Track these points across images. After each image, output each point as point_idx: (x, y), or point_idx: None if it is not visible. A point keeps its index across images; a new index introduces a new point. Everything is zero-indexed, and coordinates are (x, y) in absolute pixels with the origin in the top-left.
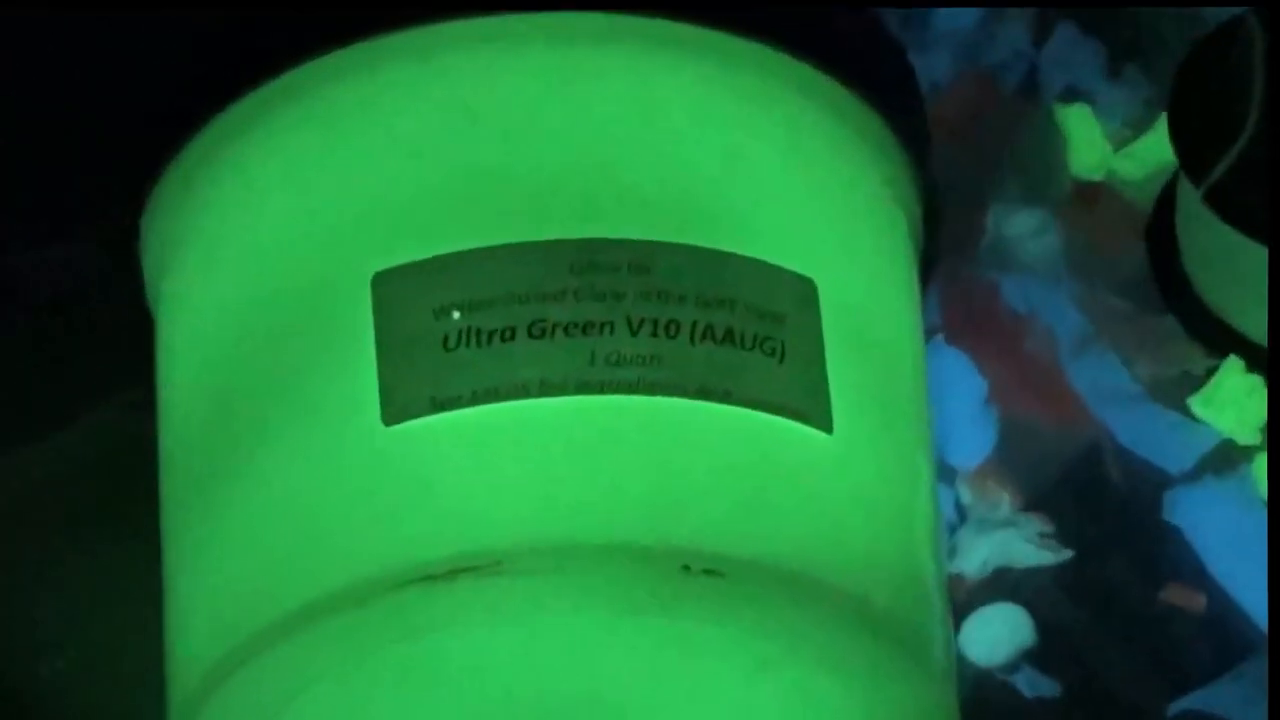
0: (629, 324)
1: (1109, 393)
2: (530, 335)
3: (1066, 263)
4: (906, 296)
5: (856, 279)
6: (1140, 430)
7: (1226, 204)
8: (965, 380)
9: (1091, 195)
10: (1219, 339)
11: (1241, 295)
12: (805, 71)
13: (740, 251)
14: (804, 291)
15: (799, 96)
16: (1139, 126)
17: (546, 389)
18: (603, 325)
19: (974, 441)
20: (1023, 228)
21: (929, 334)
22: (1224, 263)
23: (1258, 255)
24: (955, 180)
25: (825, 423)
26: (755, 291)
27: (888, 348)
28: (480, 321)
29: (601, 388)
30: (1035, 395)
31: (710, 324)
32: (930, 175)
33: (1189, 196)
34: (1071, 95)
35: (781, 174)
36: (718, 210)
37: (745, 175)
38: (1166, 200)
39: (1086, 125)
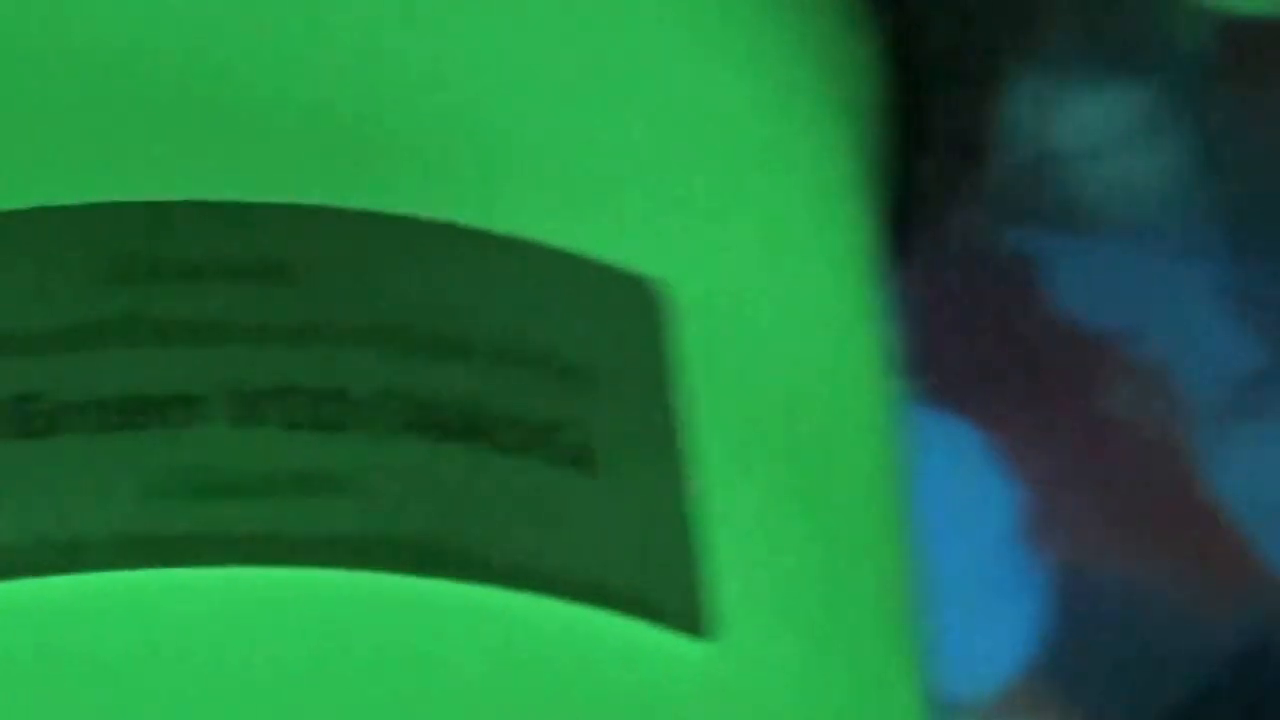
0: (227, 404)
1: None
2: (24, 432)
3: (1197, 196)
4: (856, 308)
5: (758, 279)
6: None
7: None
8: (979, 485)
9: (1245, 43)
10: None
11: None
12: None
13: (489, 226)
14: (641, 309)
15: None
16: None
17: (54, 555)
18: (186, 404)
19: (1004, 630)
20: (1098, 116)
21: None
22: None
23: None
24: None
25: (688, 619)
26: (529, 315)
27: (827, 434)
28: None
29: (183, 554)
30: (1135, 517)
31: (433, 395)
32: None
33: None
34: None
35: (586, 48)
36: (445, 133)
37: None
38: None
39: None
